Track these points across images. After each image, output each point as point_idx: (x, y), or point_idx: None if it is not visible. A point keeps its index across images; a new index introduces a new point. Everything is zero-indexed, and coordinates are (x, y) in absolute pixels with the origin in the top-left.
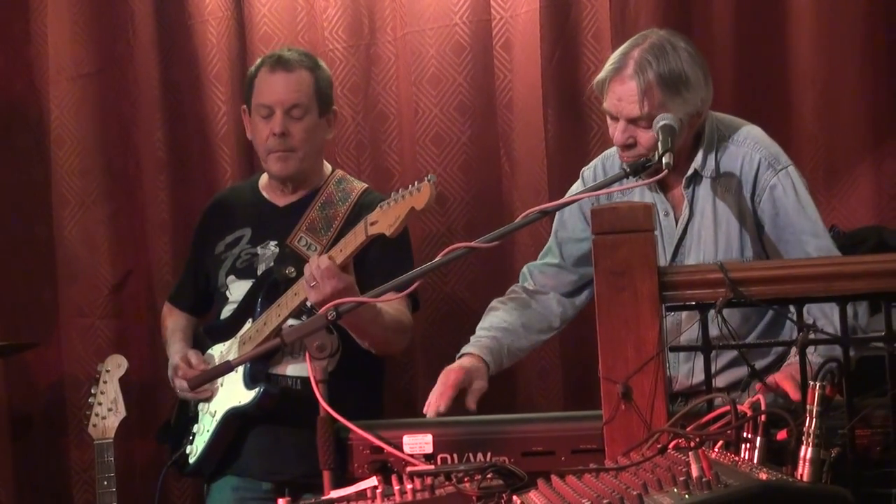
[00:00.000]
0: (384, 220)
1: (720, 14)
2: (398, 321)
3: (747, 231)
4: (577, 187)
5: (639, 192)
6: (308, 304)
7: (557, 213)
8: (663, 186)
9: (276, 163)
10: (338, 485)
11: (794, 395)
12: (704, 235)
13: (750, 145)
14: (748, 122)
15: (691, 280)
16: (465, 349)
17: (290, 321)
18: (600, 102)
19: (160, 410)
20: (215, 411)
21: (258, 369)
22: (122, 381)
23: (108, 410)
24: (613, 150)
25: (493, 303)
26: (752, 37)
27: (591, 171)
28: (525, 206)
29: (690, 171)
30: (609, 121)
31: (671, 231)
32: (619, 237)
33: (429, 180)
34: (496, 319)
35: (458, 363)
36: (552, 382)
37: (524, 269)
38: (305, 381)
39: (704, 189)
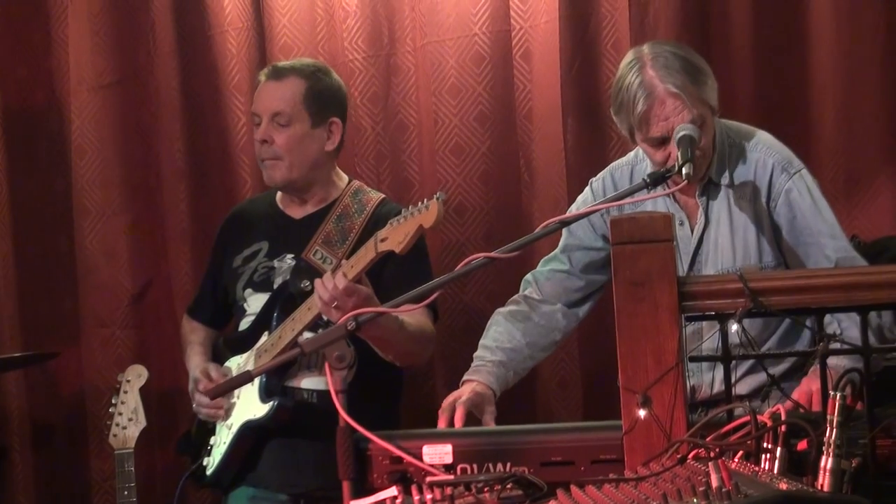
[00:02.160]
0: (394, 238)
1: (740, 23)
2: (421, 331)
3: (764, 236)
4: (584, 197)
5: (651, 203)
6: (324, 318)
7: None
8: (677, 196)
9: (265, 171)
10: (357, 495)
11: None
12: (721, 243)
13: (762, 150)
14: (756, 128)
15: (710, 290)
16: (470, 374)
17: (306, 334)
18: None
19: (180, 420)
20: (232, 424)
21: (273, 382)
22: (142, 390)
23: (128, 420)
24: (622, 161)
25: (496, 315)
26: (772, 46)
27: (601, 183)
28: (544, 216)
29: (704, 180)
30: (651, 150)
31: (687, 240)
32: (639, 247)
33: (437, 198)
34: (501, 337)
35: (468, 388)
36: (572, 393)
37: (528, 276)
38: (321, 393)
39: (719, 196)
